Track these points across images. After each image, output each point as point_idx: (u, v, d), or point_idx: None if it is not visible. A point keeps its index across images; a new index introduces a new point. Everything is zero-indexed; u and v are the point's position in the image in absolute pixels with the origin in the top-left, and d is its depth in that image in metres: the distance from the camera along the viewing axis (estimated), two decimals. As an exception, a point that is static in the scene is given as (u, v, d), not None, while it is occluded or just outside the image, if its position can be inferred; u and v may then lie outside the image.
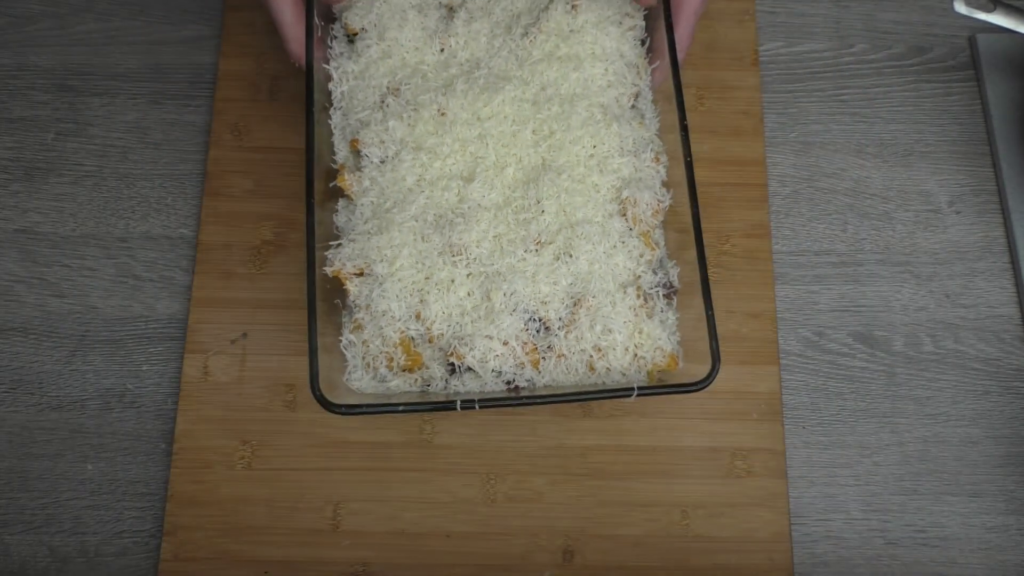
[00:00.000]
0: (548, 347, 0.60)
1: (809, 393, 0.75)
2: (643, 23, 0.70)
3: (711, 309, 0.59)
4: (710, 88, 0.82)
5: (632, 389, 0.57)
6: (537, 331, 0.60)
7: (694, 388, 0.58)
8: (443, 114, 0.64)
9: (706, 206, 0.78)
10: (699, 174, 0.78)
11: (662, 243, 0.64)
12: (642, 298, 0.61)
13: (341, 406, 0.57)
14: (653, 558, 0.70)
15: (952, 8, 0.77)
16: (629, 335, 0.60)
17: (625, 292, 0.61)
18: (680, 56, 0.67)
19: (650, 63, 0.69)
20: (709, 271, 0.76)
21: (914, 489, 0.73)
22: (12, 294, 0.76)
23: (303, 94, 0.80)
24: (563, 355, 0.60)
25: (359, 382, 0.61)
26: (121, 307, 0.76)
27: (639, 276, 0.62)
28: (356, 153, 0.65)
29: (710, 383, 0.58)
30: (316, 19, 0.65)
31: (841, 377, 0.75)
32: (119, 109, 0.82)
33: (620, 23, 0.68)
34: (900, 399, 0.75)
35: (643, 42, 0.69)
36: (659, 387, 0.59)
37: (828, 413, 0.74)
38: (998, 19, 0.77)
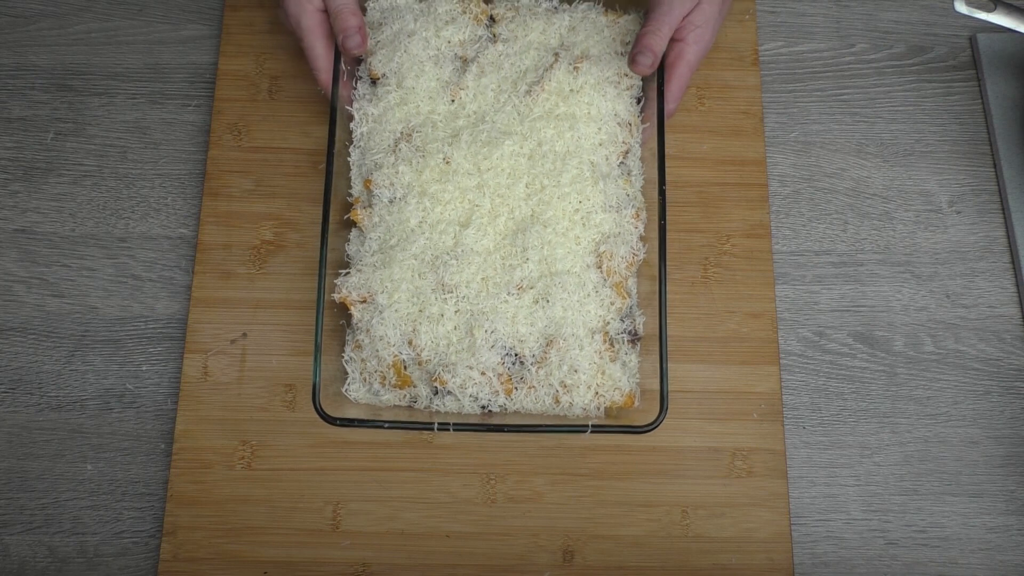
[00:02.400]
0: (521, 379, 0.67)
1: (809, 393, 0.75)
2: (640, 82, 0.74)
3: (666, 361, 0.65)
4: (710, 88, 0.82)
5: (587, 426, 0.64)
6: (512, 364, 0.67)
7: (641, 430, 0.64)
8: (448, 163, 0.70)
9: (706, 206, 0.78)
10: (699, 174, 0.79)
11: (634, 291, 0.70)
12: (608, 342, 0.67)
13: (337, 419, 0.64)
14: (653, 558, 0.70)
15: (952, 8, 0.77)
16: (592, 375, 0.66)
17: (593, 337, 0.67)
18: (671, 108, 0.71)
19: (643, 120, 0.73)
20: (709, 271, 0.77)
21: (914, 489, 0.73)
22: (12, 294, 0.76)
23: (304, 95, 0.81)
24: (533, 387, 0.66)
25: (356, 393, 0.68)
26: (121, 307, 0.76)
27: (608, 323, 0.68)
28: (369, 192, 0.71)
29: (657, 426, 0.64)
30: (343, 65, 0.71)
31: (841, 377, 0.75)
32: (118, 109, 0.82)
33: (618, 83, 0.72)
34: (901, 399, 0.75)
35: (638, 100, 0.73)
36: (609, 426, 0.65)
37: (828, 413, 0.74)
38: (998, 19, 0.77)
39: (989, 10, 0.76)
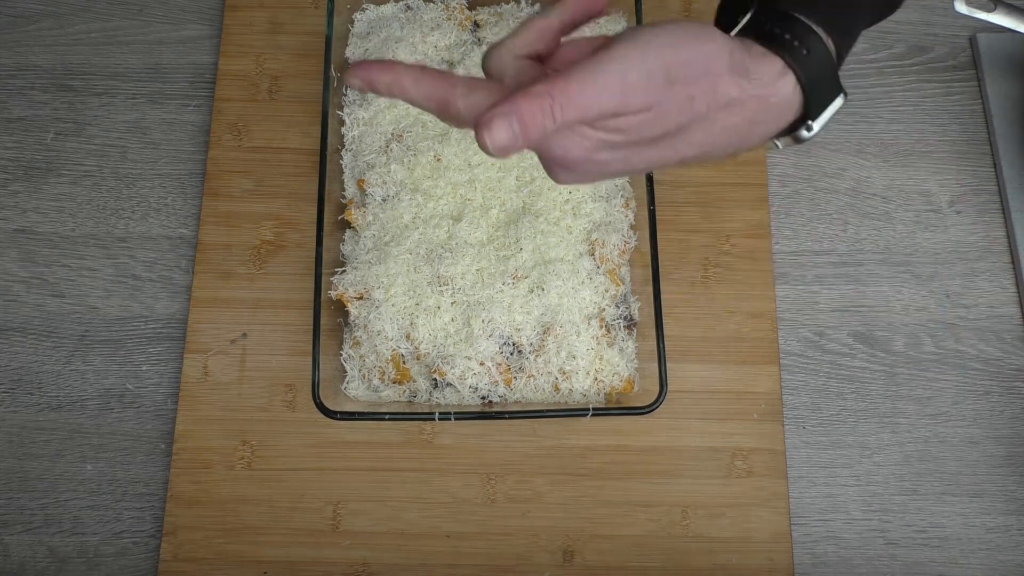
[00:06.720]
0: (520, 368, 0.68)
1: (809, 393, 0.75)
2: None
3: (663, 342, 0.66)
4: (710, 88, 0.81)
5: (588, 409, 0.64)
6: (511, 354, 0.68)
7: (642, 411, 0.64)
8: (439, 160, 0.71)
9: (706, 206, 0.78)
10: (699, 173, 0.79)
11: (627, 279, 0.71)
12: (604, 328, 0.68)
13: (337, 412, 0.64)
14: (653, 558, 0.70)
15: (952, 8, 0.77)
16: (591, 361, 0.67)
17: (589, 323, 0.68)
18: None
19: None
20: (709, 271, 0.77)
21: (915, 489, 0.73)
22: (12, 294, 0.76)
23: (303, 95, 0.81)
24: (532, 376, 0.67)
25: (355, 391, 0.69)
26: (121, 307, 0.76)
27: (603, 309, 0.69)
28: (362, 191, 0.72)
29: (658, 407, 0.64)
30: (332, 71, 0.72)
31: (841, 377, 0.75)
32: (118, 109, 0.82)
33: None
34: (900, 399, 0.75)
35: None
36: (611, 408, 0.66)
37: (828, 413, 0.74)
38: (998, 19, 0.77)
39: (989, 10, 0.76)
